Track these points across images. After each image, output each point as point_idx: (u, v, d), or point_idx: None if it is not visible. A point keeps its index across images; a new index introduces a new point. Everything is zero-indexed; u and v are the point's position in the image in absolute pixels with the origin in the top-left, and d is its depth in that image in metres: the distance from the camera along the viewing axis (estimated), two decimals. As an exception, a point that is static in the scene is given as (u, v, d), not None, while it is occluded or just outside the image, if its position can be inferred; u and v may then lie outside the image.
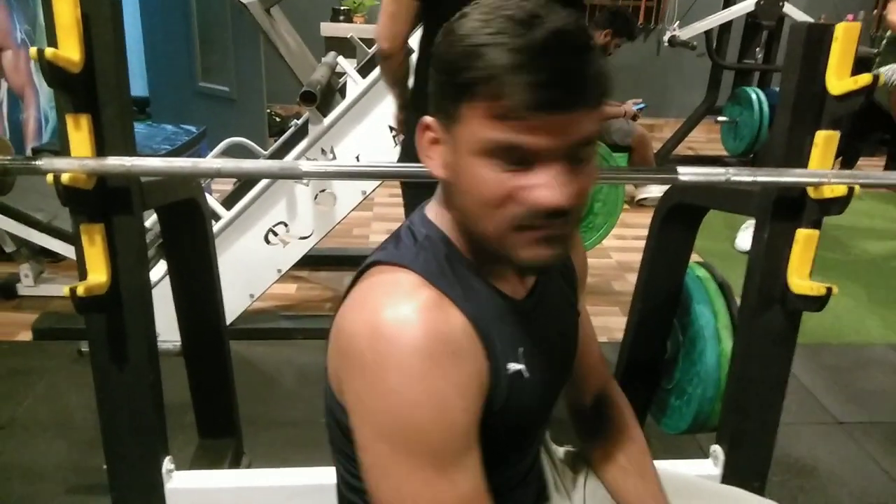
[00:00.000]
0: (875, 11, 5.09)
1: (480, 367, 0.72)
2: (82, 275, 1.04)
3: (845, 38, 1.01)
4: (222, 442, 1.62)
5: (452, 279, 0.73)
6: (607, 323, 2.64)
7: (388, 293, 0.71)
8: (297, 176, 0.97)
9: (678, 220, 1.46)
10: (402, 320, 0.67)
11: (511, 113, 0.63)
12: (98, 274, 1.03)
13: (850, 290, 3.20)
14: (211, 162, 1.02)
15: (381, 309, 0.68)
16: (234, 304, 2.27)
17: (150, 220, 2.00)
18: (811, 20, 4.58)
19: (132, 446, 1.16)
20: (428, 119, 0.73)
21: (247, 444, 1.73)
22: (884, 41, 4.08)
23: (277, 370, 2.40)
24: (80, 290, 0.98)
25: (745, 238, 3.58)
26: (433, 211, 0.79)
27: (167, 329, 1.46)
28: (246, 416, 1.72)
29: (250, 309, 2.48)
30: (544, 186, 0.65)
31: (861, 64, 1.03)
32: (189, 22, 4.41)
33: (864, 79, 0.97)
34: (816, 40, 1.03)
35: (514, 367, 0.77)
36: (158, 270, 2.12)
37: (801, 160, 1.09)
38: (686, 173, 1.03)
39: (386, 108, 2.21)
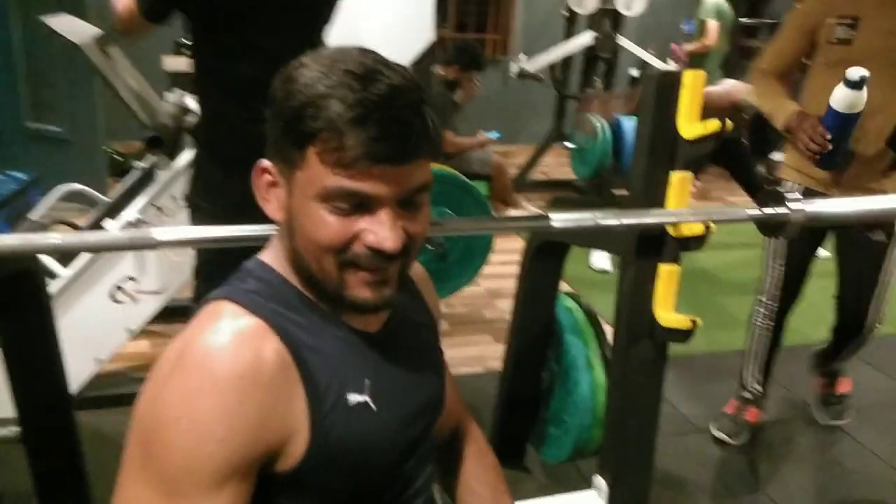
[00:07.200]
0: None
1: (289, 400, 0.71)
2: None
3: (692, 85, 1.07)
4: (73, 534, 1.44)
5: (281, 310, 0.75)
6: (483, 352, 2.66)
7: (205, 321, 0.72)
8: (151, 246, 0.88)
9: (547, 257, 1.49)
10: (209, 344, 0.69)
11: (350, 163, 0.67)
12: None
13: (701, 303, 3.44)
14: (47, 237, 0.90)
15: (193, 335, 0.70)
16: (79, 371, 2.05)
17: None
18: (644, 53, 4.96)
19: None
20: (265, 163, 0.75)
21: (103, 531, 1.55)
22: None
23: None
24: None
25: (598, 256, 3.78)
26: (268, 256, 0.81)
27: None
28: (100, 497, 1.54)
29: (99, 374, 2.25)
30: (380, 230, 0.70)
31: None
32: (11, 57, 4.03)
33: (713, 125, 1.03)
34: (666, 88, 1.08)
35: (355, 398, 0.77)
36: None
37: (659, 200, 1.14)
38: (558, 220, 1.04)
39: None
